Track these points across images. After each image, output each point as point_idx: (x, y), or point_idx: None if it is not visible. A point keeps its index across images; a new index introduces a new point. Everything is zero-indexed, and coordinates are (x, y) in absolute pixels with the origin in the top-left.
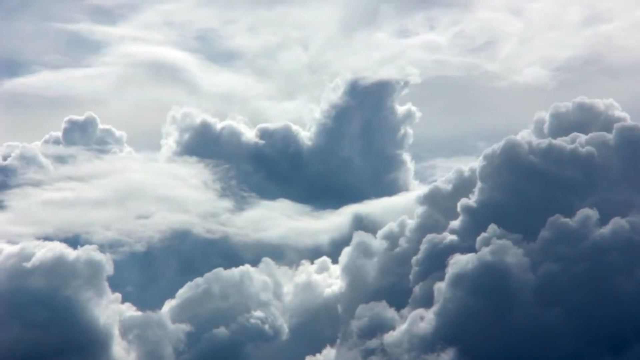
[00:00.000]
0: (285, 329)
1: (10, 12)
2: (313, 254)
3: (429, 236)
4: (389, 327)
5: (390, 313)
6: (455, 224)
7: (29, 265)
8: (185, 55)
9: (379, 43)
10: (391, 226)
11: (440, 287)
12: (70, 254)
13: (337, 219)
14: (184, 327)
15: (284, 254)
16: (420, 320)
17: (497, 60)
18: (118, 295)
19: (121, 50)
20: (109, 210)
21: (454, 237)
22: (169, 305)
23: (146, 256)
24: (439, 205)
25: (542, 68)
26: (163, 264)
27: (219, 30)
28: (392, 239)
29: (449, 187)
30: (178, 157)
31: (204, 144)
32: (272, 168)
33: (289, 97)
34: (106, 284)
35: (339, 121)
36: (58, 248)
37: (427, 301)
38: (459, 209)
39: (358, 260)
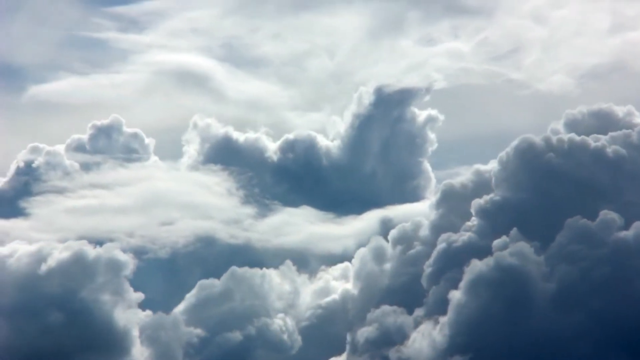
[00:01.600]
0: (299, 340)
1: (38, 20)
2: (335, 259)
3: (444, 236)
4: (401, 334)
5: (402, 318)
6: (470, 224)
7: (48, 264)
8: (211, 63)
9: (403, 51)
10: (405, 226)
11: (455, 295)
12: (91, 252)
13: (359, 224)
14: (197, 331)
15: (306, 259)
16: (435, 328)
17: (521, 68)
18: (140, 295)
19: (147, 58)
20: (133, 217)
21: (469, 237)
22: (183, 306)
23: (170, 262)
24: (454, 205)
25: (566, 76)
26: (187, 270)
27: (245, 37)
28: (406, 239)
29: (465, 186)
30: (201, 165)
31: (227, 154)
32: (296, 177)
33: (313, 106)
34: (127, 284)
35: (362, 129)
36: (78, 246)
37: (441, 306)
38: (473, 209)
39: (370, 264)
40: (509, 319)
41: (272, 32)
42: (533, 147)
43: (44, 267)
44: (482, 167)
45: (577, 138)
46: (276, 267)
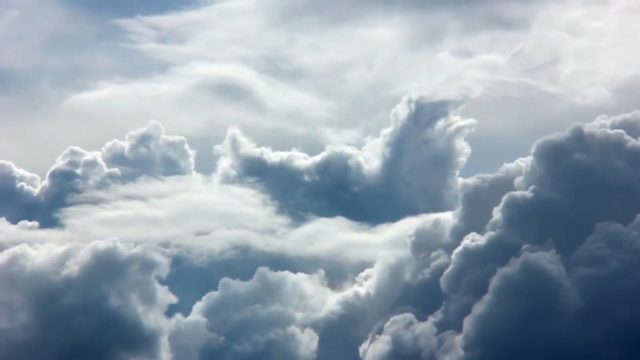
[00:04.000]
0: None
1: (79, 30)
2: (368, 267)
3: (467, 239)
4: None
5: (419, 327)
6: (494, 223)
7: (79, 261)
8: (251, 74)
9: (439, 62)
10: (425, 223)
11: (478, 306)
12: (126, 250)
13: (393, 232)
14: (216, 336)
15: (339, 267)
16: (454, 337)
17: (557, 80)
18: (173, 297)
19: (187, 68)
20: (168, 228)
21: (490, 238)
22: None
23: (206, 270)
24: (476, 207)
25: (603, 88)
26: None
27: (284, 48)
28: (426, 241)
29: (490, 185)
30: (236, 178)
31: (261, 170)
32: (330, 191)
33: (351, 119)
34: (161, 284)
35: (398, 142)
36: (112, 244)
37: (461, 312)
38: (497, 209)
39: (390, 266)
40: (532, 326)
41: (311, 43)
42: (564, 145)
43: (75, 265)
44: (508, 165)
45: (613, 134)
46: (308, 273)
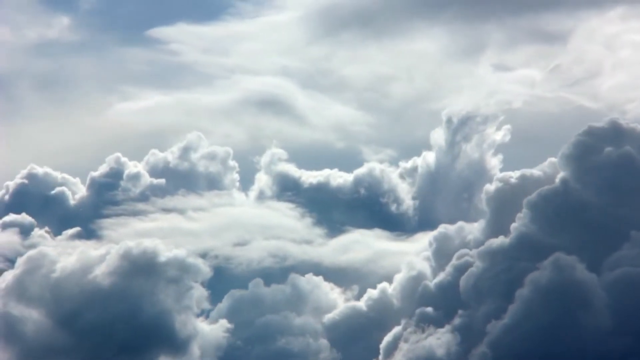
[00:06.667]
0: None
1: (123, 42)
2: None
3: (488, 244)
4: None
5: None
6: (519, 228)
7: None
8: (293, 86)
9: (479, 77)
10: (448, 228)
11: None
12: (163, 254)
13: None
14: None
15: (375, 275)
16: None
17: (596, 95)
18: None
19: (230, 80)
20: (205, 240)
21: (515, 237)
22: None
23: (245, 279)
24: (502, 208)
25: None
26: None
27: (327, 61)
28: (448, 243)
29: (516, 187)
30: (274, 192)
31: (300, 190)
32: (367, 206)
33: (390, 133)
34: (201, 288)
35: (437, 160)
36: (153, 245)
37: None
38: (527, 205)
39: (414, 271)
40: (562, 336)
41: (353, 56)
42: (600, 140)
43: (110, 265)
44: (528, 172)
45: None
46: (341, 283)
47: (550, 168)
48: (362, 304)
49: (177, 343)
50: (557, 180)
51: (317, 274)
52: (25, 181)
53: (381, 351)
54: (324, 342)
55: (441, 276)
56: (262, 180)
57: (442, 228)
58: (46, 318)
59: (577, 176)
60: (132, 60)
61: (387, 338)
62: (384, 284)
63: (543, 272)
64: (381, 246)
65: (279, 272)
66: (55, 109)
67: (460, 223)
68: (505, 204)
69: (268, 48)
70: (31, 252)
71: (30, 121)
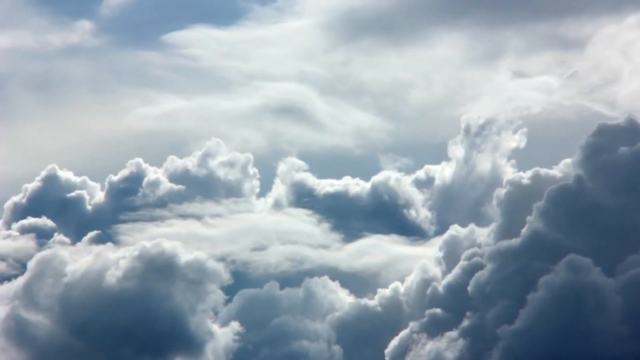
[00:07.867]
0: None
1: (144, 46)
2: None
3: (501, 245)
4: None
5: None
6: (531, 227)
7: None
8: (312, 92)
9: (498, 83)
10: (459, 231)
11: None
12: (183, 257)
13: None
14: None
15: (391, 280)
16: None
17: (614, 103)
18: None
19: (249, 85)
20: (223, 246)
21: (527, 236)
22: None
23: (263, 282)
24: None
25: None
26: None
27: (345, 67)
28: (458, 245)
29: (528, 189)
30: (291, 199)
31: (317, 198)
32: (384, 211)
33: (408, 140)
34: (219, 291)
35: (454, 166)
36: (171, 248)
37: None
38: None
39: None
40: (573, 340)
41: (372, 62)
42: (615, 138)
43: (130, 265)
44: (542, 171)
45: None
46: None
47: (565, 168)
48: (375, 302)
49: (193, 346)
50: (572, 179)
51: (333, 278)
52: (43, 184)
53: (386, 357)
54: (336, 347)
55: (449, 277)
56: (280, 187)
57: (453, 230)
58: (63, 320)
59: (592, 175)
60: (152, 64)
61: (394, 342)
62: (397, 283)
63: (557, 274)
64: (398, 251)
65: (295, 276)
66: (74, 113)
67: (471, 226)
68: (516, 206)
69: (287, 53)
70: (45, 253)
71: (49, 124)
